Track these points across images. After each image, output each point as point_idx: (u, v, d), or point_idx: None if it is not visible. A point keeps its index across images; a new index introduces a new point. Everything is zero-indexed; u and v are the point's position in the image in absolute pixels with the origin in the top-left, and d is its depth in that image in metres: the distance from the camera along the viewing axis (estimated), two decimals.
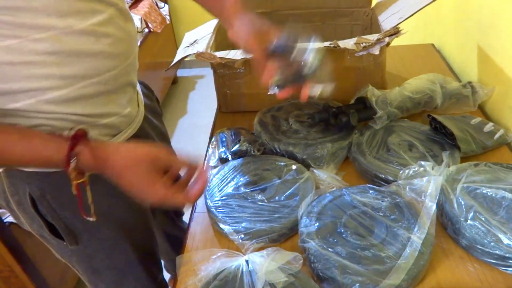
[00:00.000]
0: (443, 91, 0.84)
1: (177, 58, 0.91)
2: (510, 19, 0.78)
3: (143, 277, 0.76)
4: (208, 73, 3.02)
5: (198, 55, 0.78)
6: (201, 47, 0.90)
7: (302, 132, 0.79)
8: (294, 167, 0.70)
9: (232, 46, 0.97)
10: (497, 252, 0.55)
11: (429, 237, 0.56)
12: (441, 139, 0.75)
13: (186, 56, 0.87)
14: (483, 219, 0.57)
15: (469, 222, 0.58)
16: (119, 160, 0.53)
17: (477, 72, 0.93)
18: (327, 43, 0.75)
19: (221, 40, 1.01)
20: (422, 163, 0.64)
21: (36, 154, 0.52)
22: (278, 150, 0.76)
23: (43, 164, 0.56)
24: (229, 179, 0.70)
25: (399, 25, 0.75)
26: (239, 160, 0.74)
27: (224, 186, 0.68)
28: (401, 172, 0.65)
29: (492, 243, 0.55)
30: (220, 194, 0.67)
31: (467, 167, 0.67)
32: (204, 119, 1.72)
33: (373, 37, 0.75)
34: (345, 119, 0.76)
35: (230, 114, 0.94)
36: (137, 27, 2.03)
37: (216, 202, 0.66)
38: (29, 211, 0.62)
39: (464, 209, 0.59)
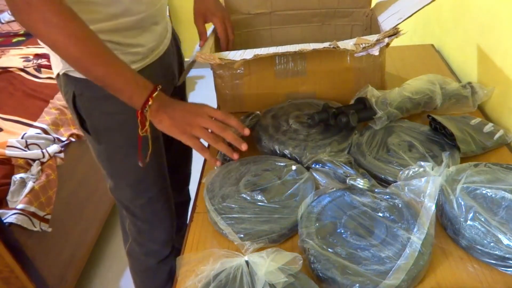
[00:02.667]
0: (442, 91, 0.84)
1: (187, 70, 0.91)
2: (509, 19, 0.78)
3: (157, 185, 0.92)
4: (208, 73, 3.02)
5: (198, 55, 0.78)
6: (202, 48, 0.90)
7: (302, 132, 0.79)
8: (294, 167, 0.71)
9: (233, 47, 0.98)
10: (496, 252, 0.55)
11: (428, 237, 0.56)
12: (441, 139, 0.75)
13: (193, 63, 0.88)
14: (482, 219, 0.57)
15: (469, 222, 0.58)
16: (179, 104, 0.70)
17: (476, 72, 0.93)
18: (326, 44, 0.75)
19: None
20: (422, 163, 0.64)
21: (123, 82, 0.66)
22: (278, 151, 0.76)
23: (119, 93, 0.67)
24: (229, 180, 0.70)
25: (398, 26, 0.75)
26: (238, 162, 0.74)
27: (224, 188, 0.68)
28: (400, 173, 0.65)
29: (491, 244, 0.55)
30: (220, 194, 0.67)
31: (467, 168, 0.67)
32: None
33: (372, 37, 0.75)
34: (345, 120, 0.76)
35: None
36: None
37: (216, 203, 0.66)
38: (71, 106, 0.80)
39: (464, 210, 0.59)
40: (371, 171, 0.70)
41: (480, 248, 0.56)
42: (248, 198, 0.66)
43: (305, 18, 1.04)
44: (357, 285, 0.52)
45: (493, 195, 0.61)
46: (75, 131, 1.44)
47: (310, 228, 0.59)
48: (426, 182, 0.61)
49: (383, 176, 0.68)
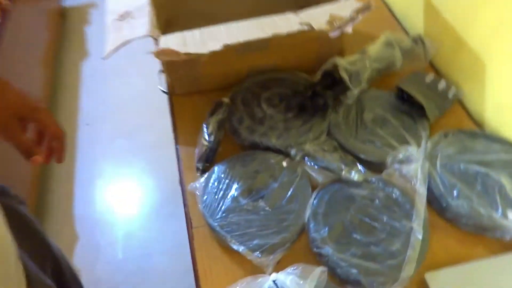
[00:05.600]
0: (401, 52, 0.86)
1: (114, 42, 0.77)
2: None
3: None
4: (100, 0, 2.63)
5: (159, 53, 0.67)
6: (140, 27, 0.77)
7: (279, 118, 0.76)
8: (284, 164, 0.70)
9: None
10: (477, 222, 0.63)
11: (425, 222, 0.62)
12: (408, 108, 0.79)
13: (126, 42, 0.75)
14: (466, 196, 0.65)
15: (454, 200, 0.65)
16: None
17: (423, 25, 0.95)
18: (299, 26, 0.70)
19: (161, 9, 0.88)
20: (408, 148, 0.68)
21: None
22: (261, 144, 0.73)
23: None
24: (222, 189, 0.67)
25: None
26: (224, 164, 0.70)
27: (221, 199, 0.66)
28: (388, 159, 0.68)
29: (474, 216, 0.63)
30: (220, 209, 0.65)
31: (440, 140, 0.73)
32: (111, 60, 1.54)
33: (345, 12, 0.71)
34: (322, 102, 0.75)
35: (187, 96, 0.86)
36: None
37: (219, 220, 0.64)
38: None
39: (448, 188, 0.66)
40: (356, 154, 0.72)
41: (465, 221, 0.64)
42: (250, 208, 0.65)
43: None
44: (380, 285, 0.57)
45: (469, 170, 0.68)
46: None
47: (321, 233, 0.62)
48: (415, 167, 0.66)
49: (368, 159, 0.71)
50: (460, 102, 0.85)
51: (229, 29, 0.73)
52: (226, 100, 0.77)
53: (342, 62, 0.80)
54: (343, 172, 0.67)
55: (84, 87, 2.04)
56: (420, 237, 0.61)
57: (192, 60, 0.74)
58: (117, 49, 0.77)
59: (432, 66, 0.92)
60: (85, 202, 1.62)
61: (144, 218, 1.58)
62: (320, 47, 0.84)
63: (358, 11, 0.71)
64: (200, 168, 0.72)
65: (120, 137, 1.82)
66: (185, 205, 0.70)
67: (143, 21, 0.80)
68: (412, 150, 0.68)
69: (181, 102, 0.86)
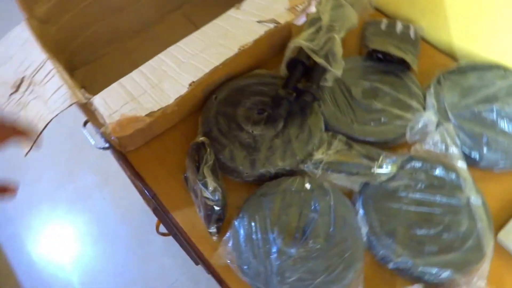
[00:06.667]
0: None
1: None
2: None
3: None
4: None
5: (115, 129, 0.50)
6: (54, 94, 0.58)
7: (269, 135, 0.65)
8: (308, 186, 0.59)
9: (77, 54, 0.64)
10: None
11: (475, 185, 0.58)
12: (388, 67, 0.73)
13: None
14: (494, 140, 0.61)
15: (486, 149, 0.61)
16: None
17: None
18: (262, 26, 0.57)
19: (59, 53, 0.67)
20: (423, 117, 0.62)
21: None
22: (270, 173, 0.62)
23: None
24: (260, 247, 0.55)
25: None
26: (243, 216, 0.58)
27: (266, 260, 0.54)
28: (407, 135, 0.62)
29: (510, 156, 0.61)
30: (273, 273, 0.53)
31: (437, 90, 0.68)
32: None
33: None
34: (310, 97, 0.65)
35: (143, 148, 0.70)
36: None
37: (279, 286, 0.53)
38: None
39: (476, 139, 0.62)
40: (366, 139, 0.65)
41: (502, 164, 0.62)
42: (304, 254, 0.54)
43: None
44: (470, 272, 0.52)
45: (482, 112, 0.65)
46: None
47: (389, 245, 0.55)
48: (441, 132, 0.61)
49: (381, 139, 0.64)
50: (422, 39, 0.80)
51: (176, 56, 0.58)
52: (204, 139, 0.62)
53: (304, 43, 0.69)
54: (374, 169, 0.59)
55: None
56: (480, 202, 0.57)
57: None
58: (39, 138, 0.57)
59: (378, 11, 0.86)
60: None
61: None
62: (270, 35, 0.71)
63: None
64: (215, 231, 0.59)
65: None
66: (222, 283, 0.58)
67: (52, 84, 0.60)
68: (424, 115, 0.62)
69: (137, 157, 0.69)
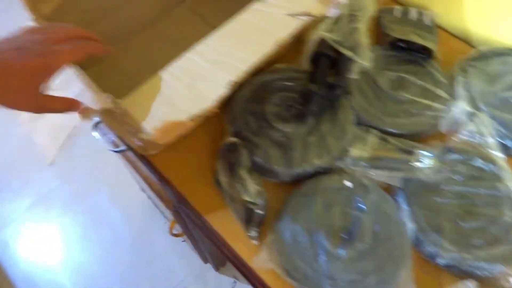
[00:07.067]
0: None
1: (52, 137, 0.54)
2: None
3: None
4: None
5: (157, 136, 0.46)
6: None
7: (302, 132, 0.62)
8: (348, 184, 0.58)
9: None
10: None
11: None
12: (408, 55, 0.71)
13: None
14: None
15: None
16: None
17: None
18: (295, 19, 0.54)
19: None
20: (455, 106, 0.61)
21: None
22: (305, 172, 0.60)
23: None
24: (307, 250, 0.54)
25: None
26: (285, 218, 0.56)
27: (314, 262, 0.53)
28: (442, 125, 0.61)
29: None
30: (325, 276, 0.52)
31: (463, 79, 0.67)
32: None
33: None
34: (341, 92, 0.63)
35: (166, 150, 0.66)
36: None
37: None
38: None
39: (509, 127, 0.62)
40: (398, 132, 0.63)
41: None
42: (354, 254, 0.53)
43: None
44: None
45: (511, 98, 0.64)
46: None
47: (435, 241, 0.54)
48: (475, 124, 0.60)
49: (414, 132, 0.64)
50: (440, 27, 0.79)
51: (206, 54, 0.54)
52: (237, 141, 0.60)
53: (328, 35, 0.67)
54: (413, 164, 0.58)
55: None
56: None
57: None
58: (62, 146, 0.54)
59: None
60: None
61: None
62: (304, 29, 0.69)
63: None
64: (256, 235, 0.57)
65: None
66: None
67: (73, 88, 0.56)
68: (455, 104, 0.62)
69: (161, 160, 0.66)
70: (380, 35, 0.76)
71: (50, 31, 0.47)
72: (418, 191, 0.58)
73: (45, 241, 1.42)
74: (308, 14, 0.55)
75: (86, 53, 0.48)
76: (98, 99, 0.52)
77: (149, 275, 1.35)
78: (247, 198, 0.55)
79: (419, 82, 0.68)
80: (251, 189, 0.55)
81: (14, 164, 1.57)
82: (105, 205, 1.46)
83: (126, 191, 1.42)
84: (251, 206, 0.55)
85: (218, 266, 1.26)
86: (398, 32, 0.72)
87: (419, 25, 0.76)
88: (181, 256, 1.36)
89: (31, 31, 0.47)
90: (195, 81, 0.52)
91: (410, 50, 0.71)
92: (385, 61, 0.71)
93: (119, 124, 0.58)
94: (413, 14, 0.78)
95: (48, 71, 0.45)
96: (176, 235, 0.97)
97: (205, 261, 1.20)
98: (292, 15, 0.55)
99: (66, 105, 0.47)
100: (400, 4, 0.83)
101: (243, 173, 0.57)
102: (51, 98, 0.45)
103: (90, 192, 1.49)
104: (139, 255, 1.38)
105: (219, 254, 1.01)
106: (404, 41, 0.70)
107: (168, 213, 0.92)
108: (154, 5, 0.82)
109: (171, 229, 0.95)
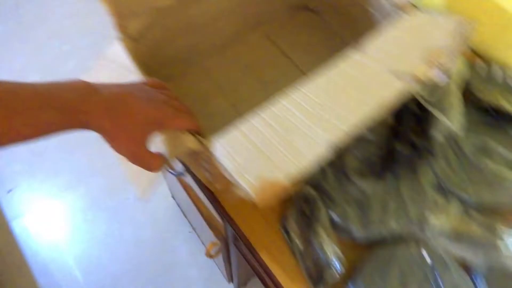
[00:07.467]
0: None
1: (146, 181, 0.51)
2: None
3: None
4: None
5: (260, 197, 0.44)
6: None
7: (379, 190, 0.60)
8: (427, 258, 0.55)
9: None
10: None
11: None
12: (494, 120, 0.68)
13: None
14: None
15: None
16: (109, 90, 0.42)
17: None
18: (399, 82, 0.51)
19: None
20: None
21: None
22: (379, 235, 0.57)
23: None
24: None
25: None
26: (358, 282, 0.53)
27: None
28: None
29: None
30: None
31: None
32: None
33: (437, 39, 0.54)
34: (426, 154, 0.60)
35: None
36: None
37: None
38: None
39: None
40: (484, 206, 0.60)
41: None
42: None
43: None
44: None
45: None
46: None
47: None
48: None
49: (499, 207, 0.60)
50: None
51: (301, 103, 0.51)
52: (315, 194, 0.57)
53: (415, 90, 0.64)
54: (499, 244, 0.55)
55: None
56: None
57: None
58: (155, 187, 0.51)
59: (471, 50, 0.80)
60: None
61: None
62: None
63: (458, 34, 0.54)
64: None
65: None
66: None
67: None
68: None
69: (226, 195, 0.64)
70: (465, 93, 0.73)
71: (172, 95, 0.50)
72: (501, 277, 0.54)
73: (67, 232, 1.41)
74: (415, 78, 0.51)
75: (194, 128, 0.48)
76: (181, 138, 0.49)
77: (166, 282, 1.33)
78: (321, 256, 0.52)
79: (505, 152, 0.64)
80: (329, 249, 0.52)
81: (48, 150, 1.56)
82: (131, 204, 1.45)
83: (155, 194, 1.40)
84: (326, 267, 0.52)
85: (240, 285, 1.24)
86: (486, 94, 0.69)
87: (505, 86, 0.72)
88: (201, 268, 1.34)
89: (151, 84, 0.50)
90: (289, 133, 0.49)
91: (497, 113, 0.68)
92: (468, 123, 0.67)
93: (192, 158, 0.56)
94: (497, 72, 0.74)
95: (163, 126, 0.44)
96: (211, 256, 0.95)
97: (230, 280, 1.18)
98: (397, 75, 0.52)
99: (162, 163, 0.46)
100: (482, 58, 0.80)
101: (321, 230, 0.54)
102: (150, 153, 0.44)
103: (119, 189, 1.47)
104: (159, 259, 1.36)
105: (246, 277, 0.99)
106: (494, 106, 0.67)
107: (209, 235, 0.89)
108: (231, 29, 0.79)
109: (208, 250, 0.93)
